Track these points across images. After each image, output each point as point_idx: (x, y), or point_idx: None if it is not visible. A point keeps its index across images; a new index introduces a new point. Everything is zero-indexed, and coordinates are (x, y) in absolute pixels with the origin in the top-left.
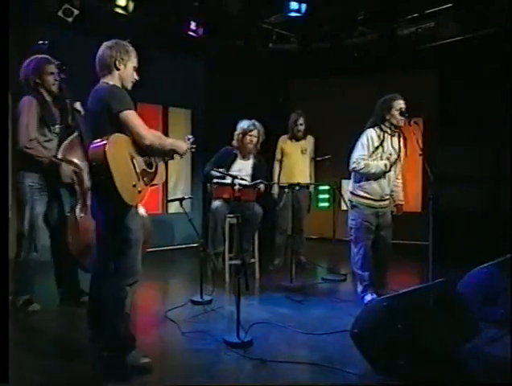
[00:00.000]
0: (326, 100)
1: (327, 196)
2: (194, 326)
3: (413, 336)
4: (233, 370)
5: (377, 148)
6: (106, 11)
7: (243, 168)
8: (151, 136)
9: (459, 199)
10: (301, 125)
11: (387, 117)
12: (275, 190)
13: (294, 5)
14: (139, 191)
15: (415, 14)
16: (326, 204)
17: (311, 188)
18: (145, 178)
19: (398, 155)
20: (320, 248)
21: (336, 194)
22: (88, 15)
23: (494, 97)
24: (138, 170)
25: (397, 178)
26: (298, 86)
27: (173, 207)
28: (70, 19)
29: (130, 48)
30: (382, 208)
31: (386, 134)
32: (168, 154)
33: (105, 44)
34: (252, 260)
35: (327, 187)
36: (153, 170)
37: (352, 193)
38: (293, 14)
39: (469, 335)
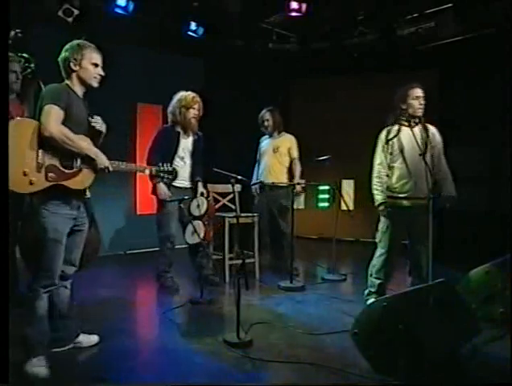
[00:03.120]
0: (326, 100)
1: (327, 196)
2: (194, 326)
3: (413, 336)
4: (233, 370)
5: (387, 143)
6: (106, 11)
7: (185, 147)
8: (55, 129)
9: (459, 199)
10: (267, 120)
11: (403, 107)
12: (252, 190)
13: (294, 5)
14: (31, 182)
15: (415, 14)
16: (326, 204)
17: (309, 188)
18: (50, 174)
19: (426, 147)
20: (320, 248)
21: (336, 194)
22: (88, 15)
23: (494, 97)
24: (39, 161)
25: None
26: (298, 86)
27: None
28: (70, 19)
29: (85, 46)
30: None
31: (402, 127)
32: (87, 161)
33: (63, 48)
34: (252, 260)
35: (327, 187)
36: (70, 171)
37: None
38: (293, 14)
39: (469, 335)
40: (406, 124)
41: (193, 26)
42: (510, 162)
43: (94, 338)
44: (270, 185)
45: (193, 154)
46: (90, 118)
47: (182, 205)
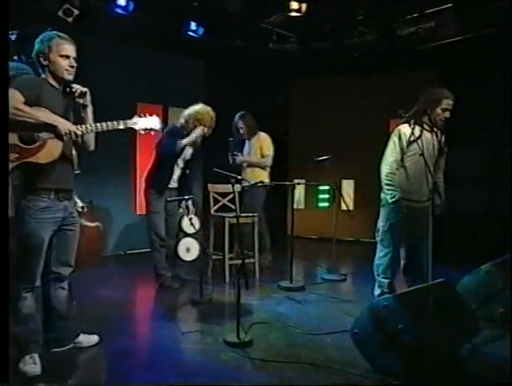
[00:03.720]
0: (326, 99)
1: (327, 196)
2: (194, 326)
3: (413, 336)
4: (233, 370)
5: (411, 143)
6: (106, 11)
7: (185, 155)
8: (11, 102)
9: (459, 199)
10: (241, 128)
11: (429, 112)
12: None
13: (294, 5)
14: None
15: (415, 14)
16: (326, 204)
17: (309, 188)
18: (11, 154)
19: (439, 152)
20: (320, 248)
21: (336, 194)
22: (88, 15)
23: (494, 97)
24: None
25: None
26: (298, 86)
27: None
28: (70, 19)
29: (51, 38)
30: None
31: (424, 130)
32: (49, 130)
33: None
34: (252, 260)
35: (327, 187)
36: (33, 146)
37: None
38: (293, 14)
39: (469, 335)
40: (428, 129)
41: (193, 26)
42: (510, 162)
43: (94, 338)
44: (270, 185)
45: (187, 162)
46: (68, 88)
47: (182, 205)
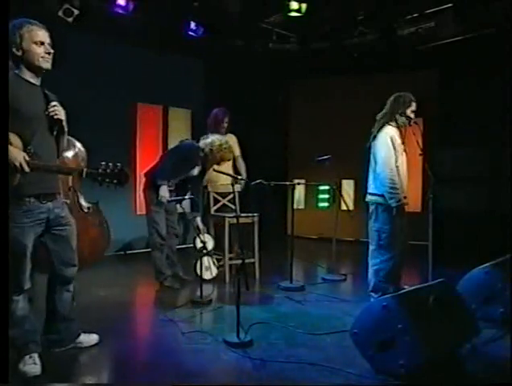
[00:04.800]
0: (326, 99)
1: (327, 196)
2: (194, 326)
3: (412, 336)
4: (233, 370)
5: (398, 144)
6: (106, 11)
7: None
8: None
9: (459, 199)
10: (226, 122)
11: (401, 112)
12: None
13: (294, 5)
14: None
15: (415, 14)
16: (326, 204)
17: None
18: None
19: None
20: (320, 248)
21: (336, 194)
22: (88, 15)
23: (494, 97)
24: None
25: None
26: (298, 86)
27: None
28: (70, 19)
29: (21, 25)
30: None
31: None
32: None
33: None
34: (252, 260)
35: (327, 187)
36: None
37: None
38: (293, 14)
39: (469, 335)
40: (402, 128)
41: (193, 26)
42: (510, 162)
43: (94, 337)
44: (270, 184)
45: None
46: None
47: (181, 205)
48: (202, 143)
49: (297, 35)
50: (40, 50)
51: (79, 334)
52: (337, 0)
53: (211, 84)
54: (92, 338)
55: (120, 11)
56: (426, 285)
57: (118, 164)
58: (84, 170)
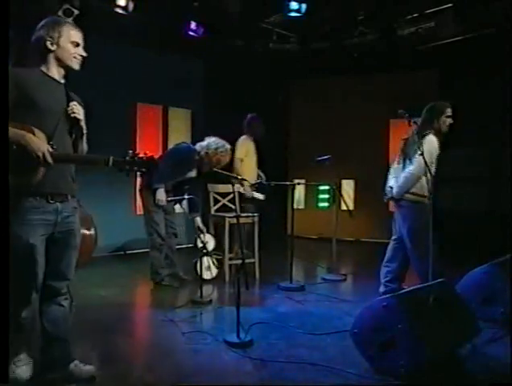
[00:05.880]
0: (326, 99)
1: (327, 196)
2: (194, 326)
3: (412, 336)
4: (233, 370)
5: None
6: (106, 11)
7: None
8: None
9: (459, 199)
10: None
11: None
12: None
13: (294, 5)
14: None
15: (415, 14)
16: (326, 204)
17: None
18: None
19: None
20: (320, 248)
21: (336, 194)
22: (88, 15)
23: (494, 97)
24: None
25: None
26: (298, 86)
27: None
28: (70, 19)
29: (62, 22)
30: None
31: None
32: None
33: (37, 27)
34: (252, 260)
35: (327, 187)
36: None
37: None
38: (293, 14)
39: (469, 335)
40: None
41: (193, 26)
42: (510, 162)
43: (88, 369)
44: (270, 184)
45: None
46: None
47: (181, 205)
48: (198, 146)
49: (297, 35)
50: (74, 50)
51: (73, 360)
52: (337, 0)
53: (211, 84)
54: (87, 370)
55: (120, 11)
56: (426, 285)
57: (147, 151)
58: (111, 158)
